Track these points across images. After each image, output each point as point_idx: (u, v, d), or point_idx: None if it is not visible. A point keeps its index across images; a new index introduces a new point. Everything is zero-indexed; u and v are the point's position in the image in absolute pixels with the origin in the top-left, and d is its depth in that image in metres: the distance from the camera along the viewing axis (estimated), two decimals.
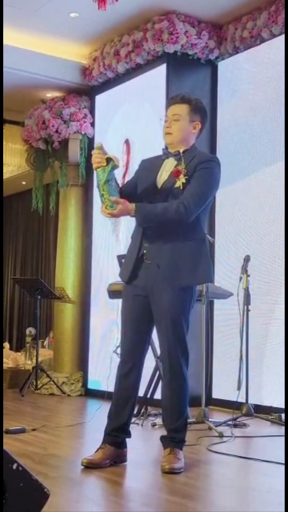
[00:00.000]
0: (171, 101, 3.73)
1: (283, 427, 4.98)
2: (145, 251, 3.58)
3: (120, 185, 3.71)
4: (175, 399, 3.57)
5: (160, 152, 3.79)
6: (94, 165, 3.53)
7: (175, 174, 3.56)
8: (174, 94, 3.88)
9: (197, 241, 3.60)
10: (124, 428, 3.63)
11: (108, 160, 3.47)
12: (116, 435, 3.60)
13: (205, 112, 3.73)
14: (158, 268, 3.53)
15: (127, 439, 3.67)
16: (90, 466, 3.47)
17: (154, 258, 3.55)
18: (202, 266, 3.59)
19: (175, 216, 3.47)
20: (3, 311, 13.18)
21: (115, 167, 3.44)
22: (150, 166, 3.73)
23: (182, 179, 3.53)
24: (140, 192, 3.65)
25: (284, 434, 4.64)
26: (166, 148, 3.74)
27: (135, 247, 3.64)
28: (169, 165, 3.64)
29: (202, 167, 3.55)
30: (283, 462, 3.65)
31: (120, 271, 3.82)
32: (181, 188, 3.52)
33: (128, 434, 3.66)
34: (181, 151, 3.62)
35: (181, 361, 3.55)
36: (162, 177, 3.63)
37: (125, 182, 4.01)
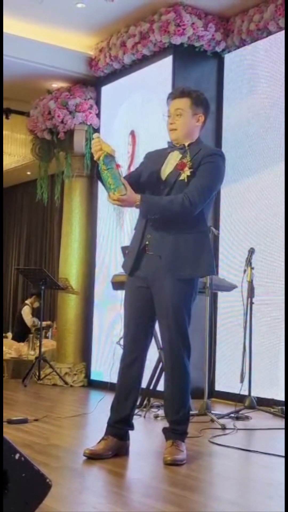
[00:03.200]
0: (171, 95, 3.71)
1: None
2: (147, 243, 3.58)
3: (124, 176, 3.70)
4: (177, 391, 3.57)
5: (165, 144, 3.78)
6: (95, 156, 3.50)
7: (180, 166, 3.56)
8: (176, 88, 3.86)
9: (200, 233, 3.60)
10: (127, 420, 3.63)
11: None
12: (119, 427, 3.61)
13: (207, 103, 3.71)
14: (160, 259, 3.53)
15: (130, 431, 3.67)
16: (92, 457, 3.48)
17: (156, 250, 3.55)
18: (205, 258, 3.58)
19: (180, 209, 3.46)
20: (5, 301, 13.21)
21: (107, 155, 3.38)
22: (156, 158, 3.72)
23: (187, 172, 3.52)
24: (144, 183, 3.64)
25: (284, 427, 4.64)
26: (172, 141, 3.73)
27: (137, 238, 3.64)
28: (174, 157, 3.63)
29: (207, 160, 3.54)
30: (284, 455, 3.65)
31: (123, 262, 3.82)
32: (186, 180, 3.52)
33: (131, 427, 3.67)
34: (186, 144, 3.62)
35: (183, 352, 3.55)
36: (167, 169, 3.62)
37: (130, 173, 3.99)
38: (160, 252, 3.54)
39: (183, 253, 3.53)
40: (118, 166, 3.40)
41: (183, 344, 3.54)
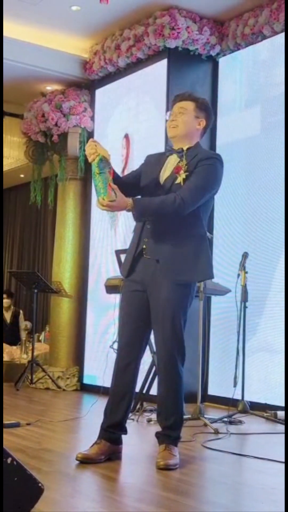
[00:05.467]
0: (177, 97, 3.71)
1: (279, 425, 4.98)
2: (144, 246, 3.57)
3: (122, 176, 3.69)
4: (170, 396, 3.55)
5: (160, 146, 3.79)
6: (89, 158, 3.48)
7: (176, 170, 3.55)
8: (175, 90, 3.88)
9: (198, 237, 3.58)
10: (120, 425, 3.61)
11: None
12: (112, 431, 3.59)
13: (210, 112, 3.72)
14: (157, 263, 3.52)
15: (123, 436, 3.66)
16: (84, 461, 3.46)
17: (153, 253, 3.54)
18: (202, 262, 3.57)
19: (172, 208, 3.44)
20: None
21: (102, 158, 3.37)
22: (155, 161, 3.72)
23: (182, 175, 3.52)
24: (143, 187, 3.65)
25: (284, 432, 4.63)
26: (170, 145, 3.72)
27: (135, 241, 3.63)
28: (172, 161, 3.63)
29: (204, 163, 3.54)
30: (278, 459, 3.64)
31: (121, 266, 3.81)
32: (182, 184, 3.51)
33: (124, 431, 3.65)
34: (184, 148, 3.61)
35: (177, 358, 3.53)
36: (165, 173, 3.62)
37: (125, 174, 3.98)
38: (158, 256, 3.53)
39: (181, 257, 3.52)
40: (111, 172, 3.37)
41: (178, 350, 3.53)
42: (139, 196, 3.61)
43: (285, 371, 5.38)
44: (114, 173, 3.44)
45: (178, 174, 3.53)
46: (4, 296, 10.16)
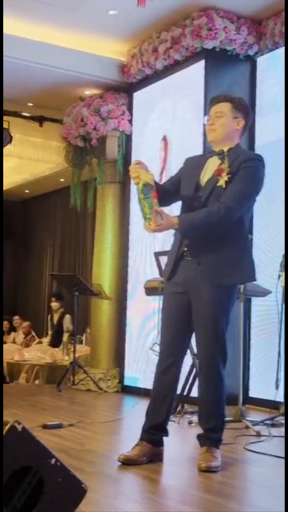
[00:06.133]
0: (213, 100, 3.70)
1: None
2: (185, 249, 3.57)
3: (163, 182, 3.71)
4: (212, 399, 3.54)
5: (198, 148, 3.79)
6: (133, 181, 3.49)
7: (217, 172, 3.53)
8: (212, 91, 3.88)
9: (240, 239, 3.57)
10: (162, 426, 3.62)
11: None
12: (154, 433, 3.60)
13: (248, 110, 3.70)
14: (198, 266, 3.52)
15: (164, 438, 3.66)
16: (126, 463, 3.47)
17: (194, 256, 3.54)
18: (245, 264, 3.56)
19: (218, 219, 3.44)
20: (40, 307, 13.29)
21: (146, 184, 3.38)
22: (195, 164, 3.71)
23: (224, 178, 3.50)
24: (183, 190, 3.65)
25: (284, 431, 4.57)
26: (210, 147, 3.72)
27: (176, 244, 3.64)
28: (213, 163, 3.61)
29: (246, 165, 3.51)
30: None
31: (163, 270, 3.82)
32: (224, 186, 3.49)
33: (166, 433, 3.65)
34: (225, 149, 3.60)
35: (219, 361, 3.52)
36: (206, 175, 3.60)
37: (162, 178, 3.99)
38: (199, 259, 3.52)
39: (223, 259, 3.51)
40: (155, 195, 3.39)
41: (219, 352, 3.52)
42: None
43: (285, 370, 5.32)
44: (156, 183, 3.45)
45: (220, 177, 3.52)
46: (53, 299, 10.33)
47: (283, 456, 3.87)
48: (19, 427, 2.14)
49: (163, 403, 3.59)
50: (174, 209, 3.81)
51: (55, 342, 9.80)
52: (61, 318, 10.22)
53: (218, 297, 3.50)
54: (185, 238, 3.54)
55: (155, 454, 3.60)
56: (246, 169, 3.52)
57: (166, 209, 3.49)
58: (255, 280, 3.71)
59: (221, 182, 3.50)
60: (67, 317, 10.15)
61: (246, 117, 3.68)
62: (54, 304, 10.30)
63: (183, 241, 3.58)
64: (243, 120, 3.66)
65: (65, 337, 9.63)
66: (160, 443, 3.64)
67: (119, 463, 3.47)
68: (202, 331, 3.52)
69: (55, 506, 2.18)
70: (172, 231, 3.68)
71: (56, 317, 10.30)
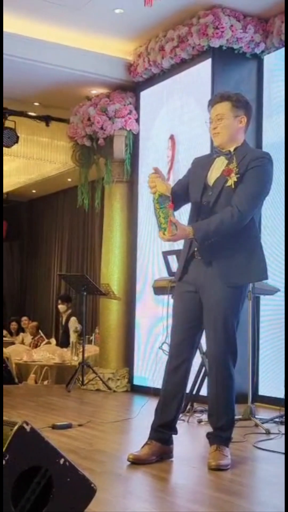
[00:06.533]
0: (211, 102, 3.70)
1: None
2: (196, 249, 3.57)
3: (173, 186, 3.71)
4: (222, 397, 3.54)
5: (205, 146, 3.78)
6: (150, 191, 3.50)
7: (226, 173, 3.53)
8: (219, 89, 3.86)
9: (251, 238, 3.57)
10: (171, 425, 3.62)
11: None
12: (163, 431, 3.60)
13: (247, 104, 3.68)
14: (209, 265, 3.52)
15: (173, 436, 3.66)
16: (136, 462, 3.47)
17: (205, 255, 3.53)
18: (255, 264, 3.56)
19: (231, 224, 3.45)
20: (48, 307, 13.30)
21: (162, 195, 3.41)
22: (202, 164, 3.72)
23: (233, 178, 3.50)
24: (191, 192, 3.65)
25: (284, 429, 4.55)
26: (217, 147, 3.71)
27: (187, 244, 3.65)
28: (220, 163, 3.61)
29: (254, 164, 3.51)
30: None
31: (176, 270, 3.83)
32: (233, 186, 3.49)
33: (175, 431, 3.65)
34: (232, 150, 3.59)
35: (229, 359, 3.52)
36: (213, 175, 3.61)
37: (170, 177, 3.99)
38: (210, 258, 3.52)
39: (234, 259, 3.51)
40: (171, 206, 3.43)
41: (230, 351, 3.52)
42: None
43: (285, 369, 5.31)
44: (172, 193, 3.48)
45: (229, 177, 3.51)
46: (59, 301, 10.48)
47: None
48: (27, 428, 2.14)
49: (172, 401, 3.59)
50: (182, 213, 3.80)
51: (63, 343, 9.88)
52: (68, 319, 10.29)
53: (229, 297, 3.50)
54: (201, 244, 3.53)
55: (164, 452, 3.60)
56: (255, 168, 3.51)
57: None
58: (266, 278, 3.71)
59: (230, 183, 3.51)
60: (73, 319, 10.22)
61: (247, 112, 3.66)
62: (61, 306, 10.43)
63: (193, 241, 3.58)
64: (245, 116, 3.65)
65: (73, 337, 9.68)
66: (169, 442, 3.64)
67: (129, 463, 3.46)
68: (213, 330, 3.52)
69: (65, 506, 2.18)
70: None
71: (63, 319, 10.38)
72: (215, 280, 3.49)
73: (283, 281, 5.23)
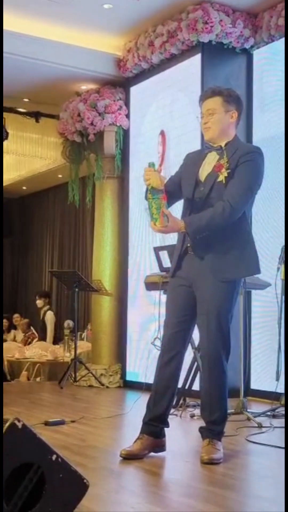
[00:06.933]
0: (202, 97, 3.70)
1: None
2: (188, 245, 3.58)
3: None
4: (214, 392, 3.55)
5: (196, 141, 3.79)
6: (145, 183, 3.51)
7: (217, 168, 3.54)
8: (209, 84, 3.86)
9: (243, 233, 3.58)
10: (162, 418, 3.62)
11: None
12: (154, 425, 3.60)
13: (238, 100, 3.69)
14: (202, 260, 3.52)
15: (166, 429, 3.66)
16: (128, 457, 3.48)
17: (198, 250, 3.54)
18: (248, 258, 3.57)
19: (223, 218, 3.45)
20: None
21: (152, 189, 3.43)
22: (194, 160, 3.73)
23: (224, 173, 3.51)
24: (184, 187, 3.66)
25: (284, 428, 4.57)
26: (207, 142, 3.71)
27: (180, 240, 3.65)
28: (211, 158, 3.62)
29: (245, 159, 3.52)
30: None
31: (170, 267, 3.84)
32: (224, 182, 3.50)
33: (166, 424, 3.66)
34: (223, 145, 3.60)
35: (222, 354, 3.53)
36: (205, 170, 3.61)
37: (161, 171, 3.98)
38: (203, 253, 3.53)
39: (227, 254, 3.52)
40: (164, 197, 3.44)
41: (223, 346, 3.53)
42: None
43: (285, 367, 5.32)
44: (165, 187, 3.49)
45: (220, 172, 3.52)
46: (37, 297, 10.74)
47: (284, 447, 3.87)
48: (19, 424, 2.14)
49: (164, 394, 3.60)
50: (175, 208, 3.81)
51: (42, 338, 10.12)
52: (45, 314, 10.42)
53: (222, 291, 3.51)
54: (193, 239, 3.53)
55: (157, 446, 3.61)
56: (246, 163, 3.52)
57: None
58: (259, 273, 3.72)
59: (221, 178, 3.52)
60: (49, 313, 10.32)
61: (238, 108, 3.67)
62: (38, 302, 10.54)
63: (186, 236, 3.58)
64: (236, 111, 3.65)
65: (48, 332, 9.90)
66: (161, 435, 3.64)
67: (122, 458, 3.47)
68: (206, 324, 3.53)
69: (57, 502, 2.18)
70: None
71: (41, 315, 10.54)
72: (208, 275, 3.50)
73: (274, 276, 5.23)
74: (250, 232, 3.66)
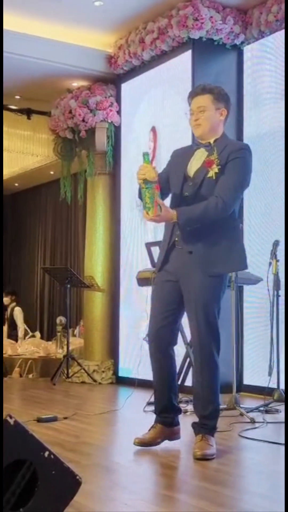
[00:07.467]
0: (192, 94, 3.73)
1: None
2: (176, 239, 3.59)
3: None
4: (206, 386, 3.57)
5: (187, 138, 3.80)
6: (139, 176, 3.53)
7: (207, 164, 3.56)
8: (200, 80, 3.88)
9: (231, 228, 3.61)
10: (170, 407, 3.70)
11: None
12: (165, 416, 3.69)
13: (227, 98, 3.73)
14: (189, 254, 3.54)
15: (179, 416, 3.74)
16: (141, 445, 3.58)
17: (185, 244, 3.56)
18: (236, 253, 3.60)
19: (216, 213, 3.49)
20: (32, 300, 13.28)
21: (145, 180, 3.45)
22: (181, 156, 3.75)
23: (214, 169, 3.53)
24: (171, 182, 3.68)
25: (284, 427, 4.59)
26: (197, 138, 3.73)
27: (167, 235, 3.67)
28: (200, 154, 3.65)
29: (235, 156, 3.55)
30: None
31: (156, 261, 3.85)
32: (214, 178, 3.52)
33: (178, 411, 3.75)
34: (211, 141, 3.62)
35: (212, 348, 3.55)
36: (193, 166, 3.63)
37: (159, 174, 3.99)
38: (190, 248, 3.54)
39: (214, 249, 3.54)
40: (157, 187, 3.47)
41: (213, 339, 3.55)
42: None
43: (285, 366, 5.35)
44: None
45: (210, 168, 3.55)
46: (4, 295, 10.70)
47: (278, 442, 3.89)
48: (11, 421, 2.14)
49: (163, 386, 3.68)
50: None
51: (11, 335, 10.20)
52: (12, 311, 10.46)
53: (209, 285, 3.53)
54: (182, 230, 3.55)
55: (170, 434, 3.71)
56: (236, 160, 3.55)
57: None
58: (246, 268, 3.74)
59: (211, 174, 3.55)
60: (17, 309, 10.38)
61: (227, 105, 3.71)
62: (5, 299, 10.63)
63: (174, 230, 3.61)
64: (225, 109, 3.68)
65: (20, 327, 9.97)
66: (174, 423, 3.72)
67: (115, 455, 3.49)
68: (195, 319, 3.55)
69: (50, 499, 2.19)
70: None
71: (8, 312, 10.65)
72: (196, 270, 3.52)
73: (266, 270, 5.25)
74: (237, 227, 3.68)
